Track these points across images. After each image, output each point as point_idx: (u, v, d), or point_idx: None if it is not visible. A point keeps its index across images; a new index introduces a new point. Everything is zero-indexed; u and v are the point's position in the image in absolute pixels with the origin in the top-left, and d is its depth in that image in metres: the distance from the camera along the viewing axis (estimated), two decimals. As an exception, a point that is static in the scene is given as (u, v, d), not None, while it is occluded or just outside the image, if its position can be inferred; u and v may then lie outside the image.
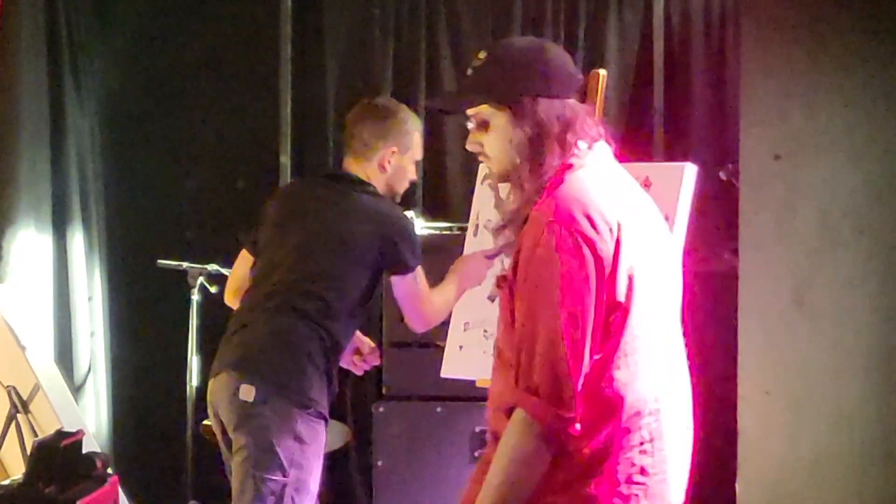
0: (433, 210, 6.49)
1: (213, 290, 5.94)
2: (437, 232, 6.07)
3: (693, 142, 6.60)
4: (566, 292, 2.80)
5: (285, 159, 6.83)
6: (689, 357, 2.90)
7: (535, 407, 2.80)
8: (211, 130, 6.94)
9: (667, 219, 4.70)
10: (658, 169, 4.95)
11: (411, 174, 4.89)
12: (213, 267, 5.93)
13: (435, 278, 5.36)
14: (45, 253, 6.19)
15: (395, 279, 4.68)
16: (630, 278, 2.85)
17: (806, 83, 4.01)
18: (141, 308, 6.81)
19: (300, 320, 4.49)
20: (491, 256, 4.64)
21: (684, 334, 3.05)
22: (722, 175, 5.29)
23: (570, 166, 2.99)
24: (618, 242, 2.85)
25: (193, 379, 5.89)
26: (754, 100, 4.10)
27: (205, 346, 5.83)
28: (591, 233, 2.82)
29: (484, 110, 3.06)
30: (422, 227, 5.94)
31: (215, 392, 4.53)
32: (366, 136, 4.77)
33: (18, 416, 4.87)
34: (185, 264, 5.98)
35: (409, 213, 6.19)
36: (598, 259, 2.82)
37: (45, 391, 4.73)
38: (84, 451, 2.98)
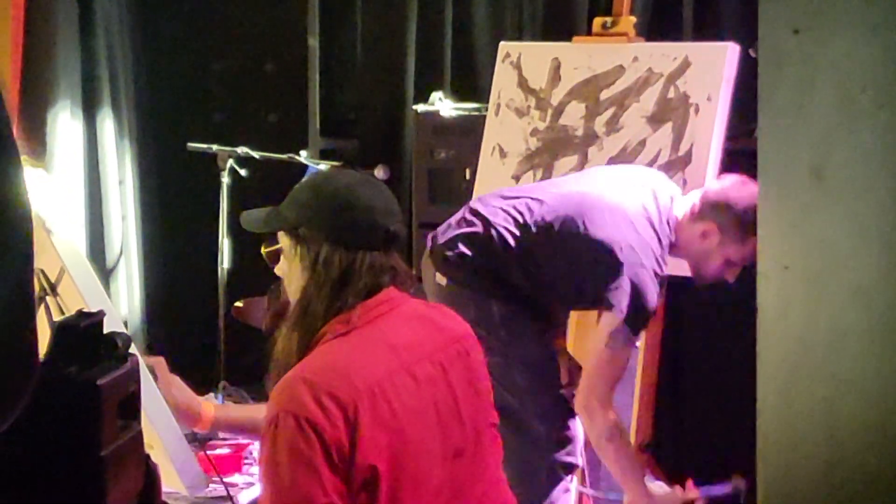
0: (461, 91, 6.38)
1: (242, 172, 5.95)
2: (466, 113, 5.95)
3: (723, 19, 6.51)
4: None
5: (313, 41, 6.78)
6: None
7: None
8: (239, 12, 6.94)
9: (709, 100, 4.69)
10: (698, 49, 4.88)
11: (721, 269, 4.23)
12: (242, 150, 5.91)
13: (466, 155, 5.30)
14: (76, 138, 6.22)
15: None
16: (375, 465, 2.64)
17: (826, -45, 3.95)
18: (171, 191, 6.87)
19: None
20: None
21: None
22: (752, 52, 5.25)
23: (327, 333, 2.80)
24: (354, 427, 2.63)
25: (224, 261, 5.89)
26: (773, -27, 4.04)
27: (235, 228, 5.86)
28: (321, 420, 2.60)
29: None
30: (450, 107, 5.86)
31: None
32: (711, 195, 4.24)
33: (47, 298, 4.92)
34: (214, 147, 5.94)
35: (438, 94, 6.14)
36: (329, 447, 2.60)
37: (70, 274, 4.77)
38: (105, 332, 2.99)
